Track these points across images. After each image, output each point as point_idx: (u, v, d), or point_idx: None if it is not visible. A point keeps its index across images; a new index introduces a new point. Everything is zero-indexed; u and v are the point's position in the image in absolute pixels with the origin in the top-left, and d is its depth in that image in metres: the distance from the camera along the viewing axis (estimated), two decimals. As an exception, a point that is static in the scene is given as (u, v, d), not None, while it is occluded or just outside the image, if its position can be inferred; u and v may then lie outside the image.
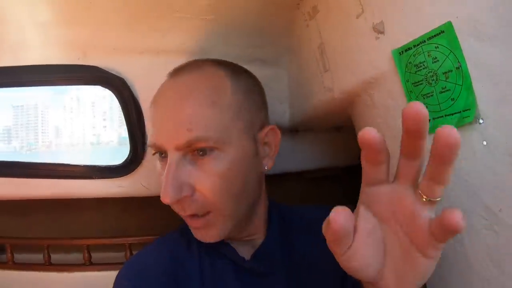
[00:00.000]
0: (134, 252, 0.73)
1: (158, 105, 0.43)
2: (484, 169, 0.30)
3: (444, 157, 0.23)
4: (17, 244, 0.80)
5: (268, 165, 0.46)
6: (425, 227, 0.25)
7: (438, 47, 0.31)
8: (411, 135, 0.24)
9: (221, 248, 0.47)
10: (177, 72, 0.45)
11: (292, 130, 0.71)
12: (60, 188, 0.67)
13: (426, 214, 0.25)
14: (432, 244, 0.25)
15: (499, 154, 0.29)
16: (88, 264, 0.77)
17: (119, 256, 0.79)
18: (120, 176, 0.66)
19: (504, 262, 0.29)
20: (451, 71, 0.30)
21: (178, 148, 0.40)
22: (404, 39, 0.34)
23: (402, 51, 0.34)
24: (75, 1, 0.49)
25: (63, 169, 0.66)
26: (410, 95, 0.35)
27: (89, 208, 0.81)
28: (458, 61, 0.30)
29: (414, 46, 0.33)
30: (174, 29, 0.54)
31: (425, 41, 0.32)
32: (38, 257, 0.79)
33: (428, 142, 0.34)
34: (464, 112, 0.30)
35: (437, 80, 0.32)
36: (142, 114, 0.61)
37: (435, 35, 0.31)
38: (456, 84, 0.30)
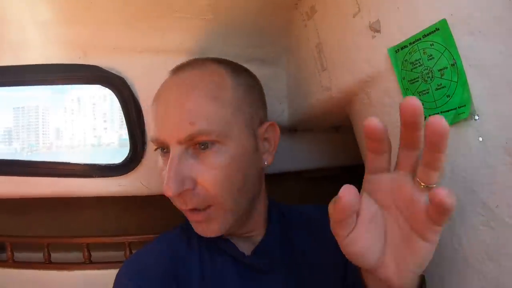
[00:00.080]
0: (134, 251, 0.73)
1: (160, 101, 0.44)
2: (481, 165, 0.30)
3: (435, 144, 0.24)
4: (17, 242, 0.81)
5: (268, 161, 0.47)
6: (423, 211, 0.26)
7: (433, 45, 0.31)
8: (409, 127, 0.26)
9: (221, 244, 0.47)
10: (179, 69, 0.46)
11: (291, 130, 0.71)
12: (60, 186, 0.68)
13: (424, 199, 0.27)
14: (430, 227, 0.27)
15: (495, 150, 0.29)
16: (88, 263, 0.77)
17: (119, 254, 0.79)
18: (120, 175, 0.66)
19: (501, 257, 0.29)
20: (446, 68, 0.31)
21: (180, 142, 0.40)
22: (400, 37, 0.34)
23: (398, 49, 0.35)
24: (76, 1, 0.49)
25: (63, 167, 0.67)
26: (407, 92, 0.35)
27: (89, 207, 0.82)
28: (453, 58, 0.30)
29: (410, 44, 0.33)
30: (174, 28, 0.55)
31: (420, 39, 0.32)
32: (38, 256, 0.79)
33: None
34: (459, 109, 0.30)
35: (432, 77, 0.32)
36: (142, 113, 0.61)
37: (430, 33, 0.31)
38: (451, 81, 0.31)
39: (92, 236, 0.78)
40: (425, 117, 0.34)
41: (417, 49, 0.33)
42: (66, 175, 0.67)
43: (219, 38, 0.56)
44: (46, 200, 0.73)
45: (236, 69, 0.47)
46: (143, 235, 0.76)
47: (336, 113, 0.53)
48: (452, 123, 0.31)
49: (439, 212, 0.25)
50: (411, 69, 0.34)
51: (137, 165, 0.65)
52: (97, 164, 0.66)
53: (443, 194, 0.24)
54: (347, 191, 0.27)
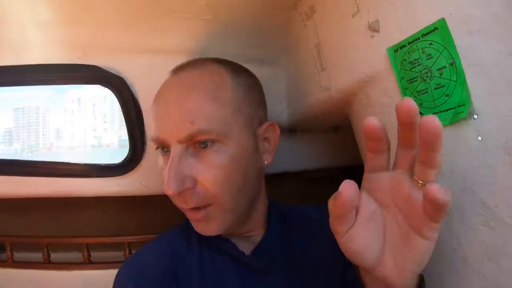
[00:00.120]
0: (133, 251, 0.73)
1: (161, 100, 0.44)
2: (480, 165, 0.30)
3: (429, 144, 0.25)
4: (16, 242, 0.81)
5: (267, 160, 0.47)
6: (420, 208, 0.27)
7: (432, 44, 0.31)
8: (405, 127, 0.27)
9: (221, 244, 0.47)
10: (179, 69, 0.46)
11: (290, 130, 0.71)
12: (60, 186, 0.68)
13: (421, 197, 0.27)
14: (427, 224, 0.27)
15: (494, 149, 0.29)
16: (87, 263, 0.77)
17: (118, 255, 0.79)
18: (119, 175, 0.66)
19: (500, 257, 0.29)
20: (445, 67, 0.31)
21: (180, 141, 0.41)
22: (399, 37, 0.34)
23: (397, 49, 0.35)
24: (75, 1, 0.49)
25: (63, 167, 0.67)
26: (406, 92, 0.35)
27: (88, 207, 0.82)
28: (452, 57, 0.30)
29: (409, 43, 0.33)
30: (173, 29, 0.55)
31: (419, 38, 0.32)
32: (38, 256, 0.79)
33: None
34: (458, 108, 0.30)
35: (431, 76, 0.32)
36: (142, 113, 0.61)
37: (429, 32, 0.31)
38: (450, 80, 0.31)
39: (92, 236, 0.78)
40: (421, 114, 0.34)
41: (416, 49, 0.33)
42: (65, 175, 0.67)
43: (219, 38, 0.57)
44: (46, 200, 0.73)
45: (236, 69, 0.47)
46: (142, 235, 0.76)
47: (336, 113, 0.53)
48: (451, 122, 0.31)
49: (434, 208, 0.25)
50: (410, 69, 0.34)
51: (137, 165, 0.65)
52: (97, 164, 0.66)
53: (435, 190, 0.24)
54: (347, 186, 0.27)
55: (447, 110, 0.31)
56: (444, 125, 0.32)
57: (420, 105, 0.34)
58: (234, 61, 0.50)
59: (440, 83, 0.31)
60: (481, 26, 0.28)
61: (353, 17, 0.39)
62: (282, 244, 0.49)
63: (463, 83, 0.29)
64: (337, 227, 0.29)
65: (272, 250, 0.48)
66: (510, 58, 0.27)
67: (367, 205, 0.30)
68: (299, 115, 0.62)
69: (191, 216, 0.44)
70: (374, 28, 0.37)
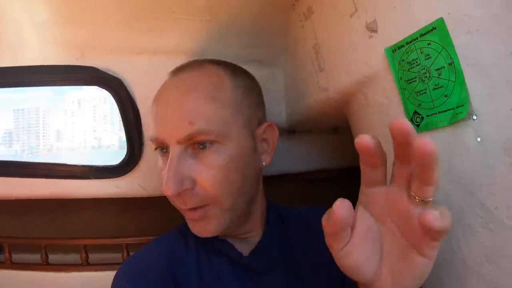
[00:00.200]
0: (132, 253, 0.73)
1: (160, 101, 0.44)
2: (479, 166, 0.30)
3: (424, 164, 0.24)
4: (15, 243, 0.80)
5: (266, 161, 0.47)
6: (419, 226, 0.25)
7: (430, 44, 0.31)
8: (400, 145, 0.26)
9: (219, 245, 0.47)
10: (178, 70, 0.46)
11: (289, 131, 0.71)
12: (58, 188, 0.67)
13: (419, 212, 0.26)
14: (427, 243, 0.26)
15: (493, 150, 0.28)
16: (86, 265, 0.77)
17: (116, 256, 0.78)
18: (117, 177, 0.66)
19: (500, 259, 0.29)
20: (444, 67, 0.30)
21: (179, 142, 0.41)
22: (397, 37, 0.34)
23: (395, 49, 0.34)
24: (73, 1, 0.49)
25: (61, 169, 0.66)
26: (404, 92, 0.35)
27: (87, 208, 0.82)
28: (451, 57, 0.29)
29: (407, 43, 0.33)
30: (172, 29, 0.55)
31: (417, 38, 0.32)
32: (36, 257, 0.79)
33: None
34: (457, 109, 0.30)
35: (430, 77, 0.32)
36: (139, 115, 0.61)
37: (427, 32, 0.31)
38: (449, 80, 0.30)
39: (90, 237, 0.78)
40: (423, 118, 0.34)
41: (414, 49, 0.32)
42: (63, 177, 0.66)
43: (217, 39, 0.56)
44: (44, 201, 0.72)
45: (235, 70, 0.47)
46: (141, 237, 0.76)
47: (334, 114, 0.53)
48: (450, 123, 0.31)
49: (433, 231, 0.24)
50: (408, 69, 0.33)
51: (134, 166, 0.64)
52: (94, 166, 0.66)
53: (431, 218, 0.23)
54: (341, 205, 0.27)
55: (446, 111, 0.31)
56: (443, 126, 0.31)
57: (418, 105, 0.33)
58: (233, 61, 0.50)
59: (438, 84, 0.31)
60: (480, 25, 0.28)
61: (350, 17, 0.39)
62: (280, 244, 0.49)
63: (462, 83, 0.29)
64: (332, 243, 0.29)
65: (271, 251, 0.48)
66: (510, 58, 0.27)
67: (363, 220, 0.29)
68: (298, 116, 0.61)
69: (189, 216, 0.44)
70: (372, 28, 0.36)
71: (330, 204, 0.59)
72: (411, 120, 0.35)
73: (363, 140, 0.26)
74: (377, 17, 0.36)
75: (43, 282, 0.78)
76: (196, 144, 0.41)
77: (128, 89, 0.59)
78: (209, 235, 0.44)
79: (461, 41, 0.29)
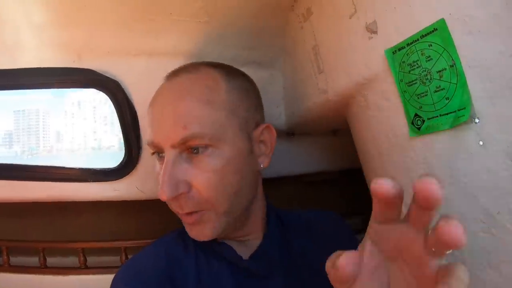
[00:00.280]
0: (130, 256, 0.72)
1: (155, 105, 0.44)
2: (481, 170, 0.29)
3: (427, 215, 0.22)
4: (13, 246, 0.80)
5: (264, 163, 0.47)
6: (432, 275, 0.23)
7: (431, 45, 0.30)
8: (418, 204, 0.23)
9: (218, 248, 0.47)
10: (173, 74, 0.46)
11: (288, 133, 0.70)
12: (56, 191, 0.67)
13: (435, 262, 0.23)
14: None
15: (496, 154, 0.28)
16: (84, 268, 0.76)
17: (114, 259, 0.78)
18: (115, 180, 0.65)
19: (502, 265, 0.29)
20: (445, 69, 0.30)
21: (174, 146, 0.41)
22: (397, 38, 0.33)
23: (395, 51, 0.34)
24: (70, 3, 0.49)
25: (59, 172, 0.66)
26: (404, 95, 0.34)
27: (85, 211, 0.81)
28: (452, 59, 0.29)
29: (407, 45, 0.32)
30: (169, 31, 0.54)
31: (418, 40, 0.31)
32: (34, 260, 0.78)
33: (422, 146, 0.34)
34: (459, 112, 0.29)
35: (431, 79, 0.31)
36: (137, 117, 0.61)
37: (428, 33, 0.30)
38: (450, 82, 0.30)
39: (88, 241, 0.78)
40: (424, 121, 0.33)
41: (415, 50, 0.32)
42: (61, 180, 0.66)
43: (215, 40, 0.56)
44: (42, 204, 0.72)
45: (231, 72, 0.47)
46: (139, 240, 0.76)
47: (334, 116, 0.53)
48: (452, 126, 0.30)
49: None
50: (409, 71, 0.33)
51: (132, 169, 0.64)
52: (92, 169, 0.66)
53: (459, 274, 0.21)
54: (347, 261, 0.25)
55: (447, 114, 0.30)
56: (444, 129, 0.31)
57: (419, 108, 0.33)
58: (231, 63, 0.50)
59: (440, 86, 0.31)
60: (482, 26, 0.27)
61: (350, 18, 0.39)
62: (281, 247, 0.49)
63: (464, 85, 0.29)
64: (338, 285, 0.27)
65: (271, 255, 0.48)
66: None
67: (372, 257, 0.27)
68: (297, 118, 0.61)
69: (185, 220, 0.44)
70: (371, 29, 0.36)
71: (330, 207, 0.58)
72: (412, 123, 0.34)
73: (381, 187, 0.23)
74: (377, 18, 0.35)
75: (41, 285, 0.77)
76: (191, 149, 0.41)
77: (125, 91, 0.59)
78: (205, 239, 0.44)
79: (463, 42, 0.28)
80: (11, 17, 0.52)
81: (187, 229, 0.45)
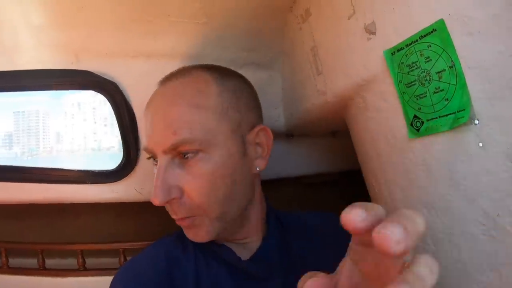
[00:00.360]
0: (128, 258, 0.72)
1: (148, 111, 0.45)
2: (481, 172, 0.29)
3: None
4: (11, 248, 0.80)
5: (260, 166, 0.46)
6: None
7: (430, 46, 0.30)
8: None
9: (217, 250, 0.47)
10: (166, 79, 0.47)
11: (287, 135, 0.70)
12: (54, 192, 0.67)
13: None
14: None
15: (496, 155, 0.28)
16: (82, 269, 0.76)
17: (113, 261, 0.78)
18: (114, 181, 0.65)
19: (502, 267, 0.28)
20: (445, 70, 0.29)
21: (165, 152, 0.41)
22: (396, 39, 0.33)
23: (394, 52, 0.33)
24: (68, 5, 0.49)
25: (57, 173, 0.66)
26: (403, 96, 0.34)
27: (84, 213, 0.81)
28: (451, 60, 0.29)
29: (406, 45, 0.32)
30: (167, 32, 0.54)
31: (417, 40, 0.31)
32: (33, 262, 0.78)
33: (421, 147, 0.33)
34: (458, 113, 0.29)
35: (430, 80, 0.31)
36: (135, 119, 0.60)
37: (427, 34, 0.30)
38: (449, 83, 0.29)
39: (87, 242, 0.77)
40: (423, 122, 0.33)
41: (414, 51, 0.32)
42: (59, 181, 0.66)
43: (214, 42, 0.56)
44: (41, 206, 0.72)
45: (223, 74, 0.46)
46: (138, 242, 0.76)
47: (332, 118, 0.52)
48: (451, 127, 0.30)
49: None
50: (408, 72, 0.33)
51: (131, 171, 0.64)
52: (91, 171, 0.66)
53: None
54: (313, 285, 0.24)
55: (446, 115, 0.30)
56: (444, 131, 0.31)
57: (418, 109, 0.33)
58: (230, 65, 0.50)
59: (439, 87, 0.30)
60: (481, 27, 0.27)
61: (349, 19, 0.39)
62: (280, 249, 0.49)
63: (463, 86, 0.28)
64: None
65: (271, 257, 0.48)
66: (511, 59, 0.26)
67: (351, 275, 0.26)
68: (296, 119, 0.61)
69: (180, 223, 0.44)
70: (370, 30, 0.36)
71: (330, 209, 0.58)
72: (411, 125, 0.34)
73: (349, 220, 0.21)
74: (375, 19, 0.35)
75: (39, 287, 0.77)
76: (182, 154, 0.41)
77: (123, 93, 0.58)
78: (201, 241, 0.44)
79: (462, 43, 0.28)
80: (9, 18, 0.51)
81: (184, 231, 0.45)
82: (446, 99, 0.30)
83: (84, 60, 0.56)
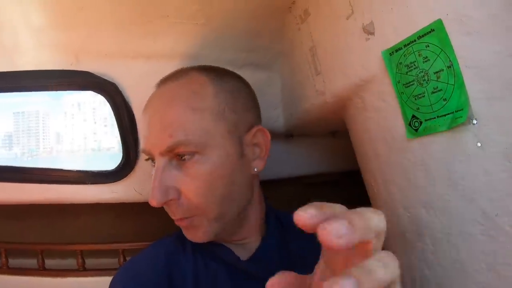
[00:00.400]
0: (128, 258, 0.72)
1: (145, 113, 0.45)
2: (479, 172, 0.29)
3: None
4: (11, 248, 0.80)
5: (258, 167, 0.46)
6: None
7: (428, 46, 0.30)
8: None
9: (216, 250, 0.47)
10: (163, 81, 0.47)
11: (287, 135, 0.70)
12: (54, 193, 0.67)
13: None
14: None
15: (494, 155, 0.28)
16: (82, 270, 0.76)
17: (112, 262, 0.78)
18: (113, 182, 0.65)
19: (501, 268, 0.28)
20: (443, 70, 0.29)
21: (162, 154, 0.42)
22: (394, 39, 0.33)
23: (393, 52, 0.33)
24: (67, 6, 0.49)
25: (57, 174, 0.66)
26: (402, 96, 0.34)
27: (83, 214, 0.81)
28: (450, 60, 0.29)
29: (404, 46, 0.32)
30: (166, 33, 0.54)
31: (415, 41, 0.31)
32: (33, 262, 0.78)
33: (419, 147, 0.33)
34: (456, 113, 0.29)
35: (428, 80, 0.31)
36: (135, 120, 0.61)
37: (425, 34, 0.30)
38: (448, 83, 0.29)
39: (86, 243, 0.78)
40: (421, 122, 0.33)
41: (412, 51, 0.32)
42: (59, 182, 0.66)
43: (212, 43, 0.56)
44: (41, 206, 0.72)
45: (221, 75, 0.46)
46: (137, 242, 0.76)
47: (332, 118, 0.52)
48: (449, 127, 0.30)
49: None
50: (406, 72, 0.33)
51: (130, 171, 0.64)
52: (90, 171, 0.66)
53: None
54: (274, 282, 0.25)
55: (445, 115, 0.30)
56: (442, 131, 0.31)
57: (416, 109, 0.33)
58: (229, 65, 0.50)
59: (437, 87, 0.30)
60: (479, 26, 0.27)
61: (347, 19, 0.39)
62: (280, 249, 0.49)
63: (461, 86, 0.28)
64: None
65: (270, 256, 0.48)
66: (510, 60, 0.26)
67: (323, 277, 0.26)
68: (295, 120, 0.61)
69: (178, 224, 0.45)
70: (368, 30, 0.36)
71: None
72: (409, 125, 0.34)
73: (299, 218, 0.22)
74: (373, 19, 0.35)
75: (39, 287, 0.77)
76: (178, 156, 0.42)
77: (123, 93, 0.59)
78: (200, 241, 0.44)
79: (460, 43, 0.28)
80: (9, 18, 0.52)
81: (183, 231, 0.45)
82: (444, 99, 0.30)
83: (83, 61, 0.57)
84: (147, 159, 0.46)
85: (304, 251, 0.49)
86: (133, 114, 0.60)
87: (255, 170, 0.46)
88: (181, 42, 0.55)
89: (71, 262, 0.78)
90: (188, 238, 0.45)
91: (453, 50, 0.28)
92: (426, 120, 0.32)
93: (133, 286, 0.44)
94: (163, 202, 0.41)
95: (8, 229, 0.82)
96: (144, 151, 0.45)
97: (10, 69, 0.57)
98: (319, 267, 0.27)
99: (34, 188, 0.67)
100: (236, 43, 0.57)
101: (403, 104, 0.34)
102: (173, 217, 0.44)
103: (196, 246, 0.47)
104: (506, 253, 0.28)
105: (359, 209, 0.21)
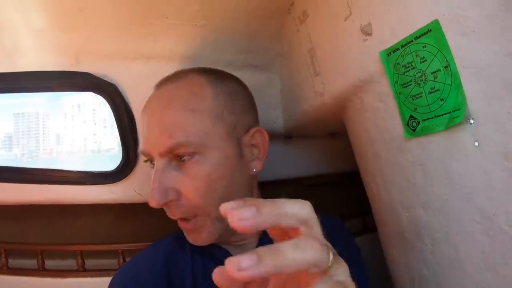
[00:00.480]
0: (127, 259, 0.72)
1: (144, 114, 0.46)
2: (477, 171, 0.29)
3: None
4: (11, 249, 0.80)
5: (257, 168, 0.46)
6: None
7: (425, 47, 0.30)
8: None
9: (215, 251, 0.47)
10: (162, 82, 0.47)
11: (286, 136, 0.70)
12: (53, 193, 0.67)
13: None
14: None
15: (491, 154, 0.28)
16: (82, 270, 0.76)
17: (112, 262, 0.77)
18: (113, 182, 0.65)
19: (499, 266, 0.28)
20: (440, 70, 0.30)
21: (161, 155, 0.42)
22: (392, 40, 0.33)
23: (390, 52, 0.34)
24: (68, 7, 0.49)
25: (56, 174, 0.66)
26: (399, 96, 0.34)
27: (83, 214, 0.81)
28: (446, 60, 0.29)
29: (402, 46, 0.32)
30: (166, 35, 0.54)
31: (412, 41, 0.31)
32: (32, 263, 0.78)
33: (417, 147, 0.34)
34: (454, 112, 0.29)
35: (425, 80, 0.31)
36: (134, 120, 0.60)
37: (422, 34, 0.30)
38: (445, 83, 0.30)
39: (86, 243, 0.77)
40: (419, 122, 0.33)
41: (409, 52, 0.32)
42: (59, 182, 0.66)
43: (212, 44, 0.56)
44: (41, 207, 0.72)
45: (219, 77, 0.47)
46: (137, 243, 0.75)
47: (331, 119, 0.52)
48: (447, 127, 0.30)
49: None
50: (404, 73, 0.33)
51: (130, 172, 0.64)
52: (90, 172, 0.66)
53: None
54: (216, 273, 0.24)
55: (442, 115, 0.30)
56: (439, 130, 0.31)
57: (414, 110, 0.33)
58: (228, 67, 0.50)
59: (434, 87, 0.31)
60: (476, 27, 0.27)
61: (345, 20, 0.39)
62: None
63: (459, 86, 0.29)
64: None
65: None
66: (507, 59, 0.26)
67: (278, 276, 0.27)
68: (294, 121, 0.61)
69: (182, 225, 0.44)
70: (366, 31, 0.36)
71: (331, 210, 0.58)
72: (407, 125, 0.34)
73: (223, 208, 0.22)
74: (371, 20, 0.35)
75: (39, 287, 0.77)
76: (178, 157, 0.42)
77: (123, 95, 0.59)
78: (203, 244, 0.44)
79: (457, 43, 0.28)
80: (9, 20, 0.52)
81: (185, 234, 0.45)
82: (442, 99, 0.30)
83: (84, 62, 0.57)
84: (145, 161, 0.46)
85: None
86: (133, 115, 0.60)
87: (254, 170, 0.46)
88: (181, 43, 0.56)
89: (71, 263, 0.78)
90: (191, 242, 0.45)
91: (450, 50, 0.29)
92: (423, 120, 0.32)
93: (132, 286, 0.44)
94: (162, 203, 0.41)
95: (8, 229, 0.82)
96: (143, 152, 0.45)
97: (11, 70, 0.57)
98: None
99: (34, 188, 0.67)
100: (236, 45, 0.57)
101: (400, 104, 0.34)
102: (173, 218, 0.44)
103: (194, 247, 0.47)
104: (504, 252, 0.28)
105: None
